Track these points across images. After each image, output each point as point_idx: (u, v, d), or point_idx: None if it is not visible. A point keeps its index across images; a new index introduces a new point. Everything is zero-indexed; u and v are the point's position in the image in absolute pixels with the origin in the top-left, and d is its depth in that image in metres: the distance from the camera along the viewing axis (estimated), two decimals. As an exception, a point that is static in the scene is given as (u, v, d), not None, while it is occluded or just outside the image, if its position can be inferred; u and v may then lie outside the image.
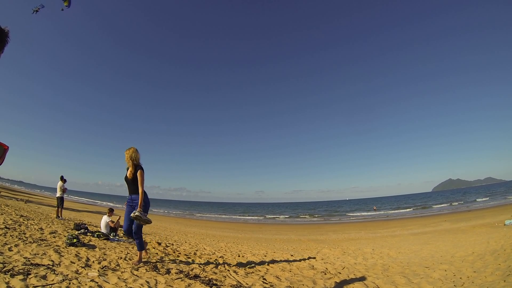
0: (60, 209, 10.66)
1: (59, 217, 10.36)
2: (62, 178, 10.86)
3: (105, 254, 5.00)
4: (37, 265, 3.61)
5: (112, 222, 7.58)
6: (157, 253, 5.90)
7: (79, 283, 3.20)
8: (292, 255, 7.81)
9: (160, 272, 4.21)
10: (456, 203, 36.31)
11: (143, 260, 4.73)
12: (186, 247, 7.72)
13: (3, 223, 6.51)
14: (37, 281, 3.00)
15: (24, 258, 3.85)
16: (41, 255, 4.20)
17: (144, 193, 4.39)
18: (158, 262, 5.00)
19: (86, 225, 7.89)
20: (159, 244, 7.27)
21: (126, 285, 3.39)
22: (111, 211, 7.82)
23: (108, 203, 47.92)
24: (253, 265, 5.90)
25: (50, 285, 2.94)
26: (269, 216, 43.97)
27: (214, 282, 4.02)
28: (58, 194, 10.73)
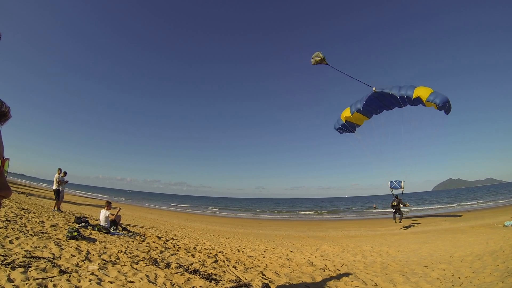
0: (56, 201, 10.55)
1: (54, 209, 10.30)
2: (59, 170, 10.71)
3: (105, 248, 5.03)
4: (38, 258, 3.64)
5: (112, 214, 7.62)
6: (157, 247, 5.93)
7: (80, 276, 3.23)
8: (291, 251, 7.84)
9: (160, 266, 4.24)
10: (455, 204, 36.29)
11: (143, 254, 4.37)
12: (186, 242, 7.77)
13: (4, 216, 6.56)
14: (37, 273, 3.02)
15: (25, 251, 3.88)
16: (42, 248, 4.23)
17: None
18: (158, 256, 5.04)
19: (86, 219, 7.94)
20: (159, 238, 7.31)
21: (126, 279, 3.42)
22: (108, 204, 7.81)
23: (105, 196, 48.25)
24: (252, 260, 5.94)
25: (51, 278, 2.96)
26: (269, 212, 44.15)
27: (214, 277, 4.04)
28: (54, 186, 10.63)
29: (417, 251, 7.63)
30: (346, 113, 12.63)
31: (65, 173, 11.02)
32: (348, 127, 13.01)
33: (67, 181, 11.10)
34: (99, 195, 56.12)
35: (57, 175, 10.63)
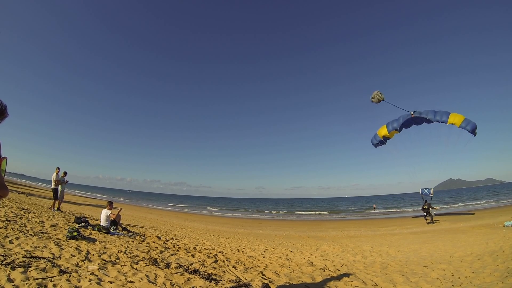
0: (54, 201, 10.58)
1: (53, 209, 10.34)
2: (57, 169, 10.65)
3: (105, 248, 5.03)
4: (38, 257, 3.64)
5: (113, 214, 7.63)
6: (157, 247, 5.93)
7: (79, 276, 3.23)
8: (291, 251, 7.85)
9: (160, 266, 4.24)
10: (457, 204, 36.27)
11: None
12: (186, 242, 7.77)
13: (4, 216, 6.56)
14: (37, 273, 3.02)
15: (24, 250, 3.87)
16: (42, 248, 4.23)
17: None
18: (158, 256, 5.04)
19: (86, 219, 7.94)
20: (159, 238, 7.31)
21: (125, 279, 3.42)
22: (110, 204, 7.84)
23: (104, 196, 48.31)
24: (252, 260, 5.94)
25: (51, 278, 2.96)
26: (269, 212, 44.16)
27: (213, 277, 4.04)
28: (52, 185, 10.60)
29: (417, 251, 7.63)
30: (384, 131, 15.42)
31: (65, 173, 11.00)
32: (383, 141, 16.16)
33: (67, 181, 11.09)
34: (97, 195, 56.09)
35: (55, 174, 10.60)
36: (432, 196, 18.08)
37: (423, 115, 13.60)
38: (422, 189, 18.54)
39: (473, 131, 12.76)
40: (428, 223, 16.01)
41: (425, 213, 16.79)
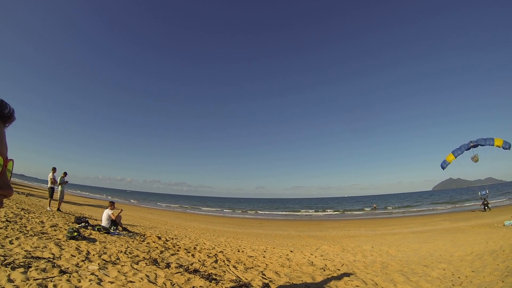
0: (50, 199, 10.68)
1: (49, 208, 10.40)
2: (53, 169, 10.71)
3: (105, 248, 5.04)
4: (38, 258, 3.64)
5: (113, 214, 7.64)
6: (157, 247, 5.93)
7: (80, 276, 3.23)
8: (291, 251, 7.85)
9: (160, 266, 4.24)
10: (458, 204, 36.26)
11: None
12: (186, 242, 7.77)
13: (4, 216, 6.56)
14: (37, 274, 3.02)
15: (25, 251, 3.88)
16: (42, 248, 4.23)
17: None
18: (158, 256, 5.04)
19: (86, 219, 7.94)
20: (159, 238, 7.31)
21: (126, 279, 3.42)
22: (112, 204, 7.87)
23: (96, 195, 48.15)
24: (252, 260, 5.94)
25: (51, 278, 2.96)
26: (269, 211, 44.17)
27: (214, 276, 4.04)
28: (49, 185, 10.72)
29: (417, 250, 7.64)
30: (451, 157, 21.04)
31: (65, 173, 11.02)
32: (449, 164, 21.62)
33: (67, 182, 11.10)
34: (90, 194, 55.64)
35: (51, 173, 10.65)
36: (488, 195, 23.71)
37: (477, 142, 19.47)
38: (479, 191, 24.52)
39: (510, 148, 18.57)
40: (485, 210, 21.50)
41: (484, 206, 22.21)
